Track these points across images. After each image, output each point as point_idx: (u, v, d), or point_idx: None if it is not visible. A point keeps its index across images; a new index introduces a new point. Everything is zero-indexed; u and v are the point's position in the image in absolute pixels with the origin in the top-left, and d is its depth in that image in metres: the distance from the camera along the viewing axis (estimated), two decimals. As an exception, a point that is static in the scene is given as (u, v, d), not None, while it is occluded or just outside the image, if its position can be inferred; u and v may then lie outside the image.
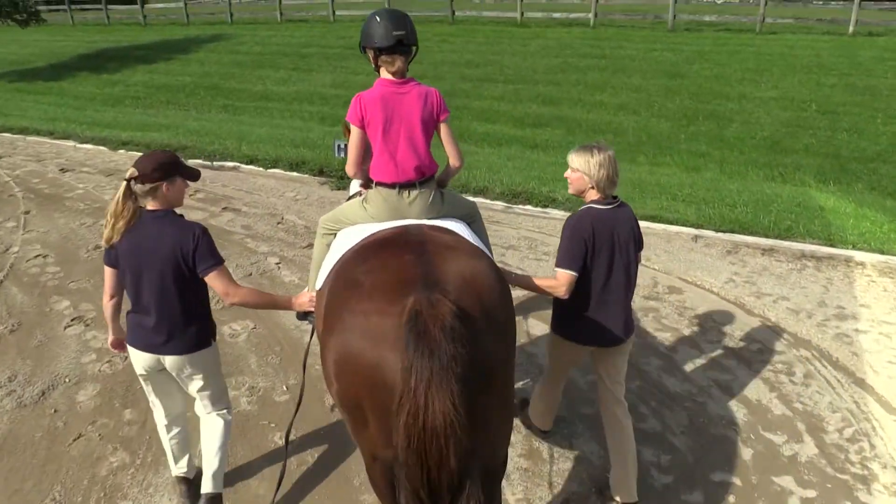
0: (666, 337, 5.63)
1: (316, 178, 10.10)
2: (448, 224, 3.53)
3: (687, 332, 5.70)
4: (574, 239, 3.45)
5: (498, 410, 2.73)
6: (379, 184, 3.66)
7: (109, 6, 34.40)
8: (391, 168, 3.60)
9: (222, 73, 19.87)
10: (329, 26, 25.84)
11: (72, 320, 6.23)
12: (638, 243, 3.67)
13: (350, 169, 3.81)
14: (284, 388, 5.14)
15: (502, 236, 7.55)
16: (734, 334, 5.64)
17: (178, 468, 3.97)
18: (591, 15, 22.21)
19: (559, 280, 3.49)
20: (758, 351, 5.40)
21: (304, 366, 4.08)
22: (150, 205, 3.38)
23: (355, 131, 3.66)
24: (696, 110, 13.53)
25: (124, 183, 3.32)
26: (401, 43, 3.61)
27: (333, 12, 27.05)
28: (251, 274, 7.00)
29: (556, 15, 23.32)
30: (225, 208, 8.92)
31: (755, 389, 4.94)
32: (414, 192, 3.63)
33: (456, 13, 24.72)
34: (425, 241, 2.98)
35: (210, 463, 3.77)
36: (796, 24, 20.37)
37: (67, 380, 5.34)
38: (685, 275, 6.65)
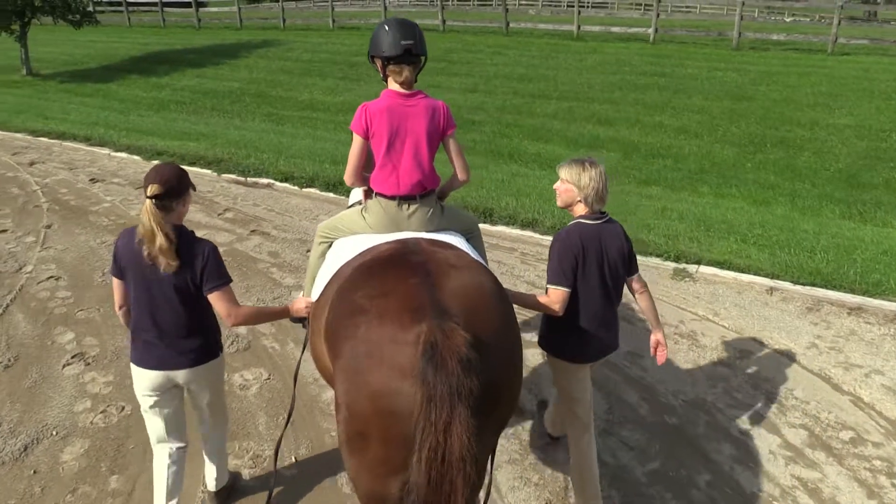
0: (739, 416, 4.81)
1: (353, 200, 9.48)
2: (447, 238, 3.50)
3: (764, 410, 4.87)
4: (563, 254, 3.44)
5: (493, 430, 2.82)
6: (379, 195, 3.63)
7: (165, 9, 34.52)
8: (393, 181, 3.56)
9: (269, 80, 19.47)
10: (381, 34, 25.39)
11: (72, 357, 5.68)
12: (629, 263, 3.64)
13: (349, 178, 3.73)
14: (293, 459, 4.47)
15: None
16: (820, 417, 4.80)
17: None
18: (650, 30, 21.30)
19: (552, 297, 3.48)
20: (850, 441, 4.55)
21: (296, 378, 4.08)
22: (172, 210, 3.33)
23: (357, 140, 3.60)
24: (764, 136, 12.59)
25: (148, 202, 3.20)
26: (409, 52, 3.54)
27: (386, 20, 26.62)
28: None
29: (615, 29, 22.48)
30: (254, 231, 8.33)
31: (850, 494, 4.10)
32: (414, 205, 3.60)
33: (510, 24, 24.03)
34: (427, 260, 2.95)
35: (213, 464, 3.94)
36: (871, 46, 19.21)
37: (55, 432, 4.76)
38: (760, 335, 5.81)
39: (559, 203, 3.63)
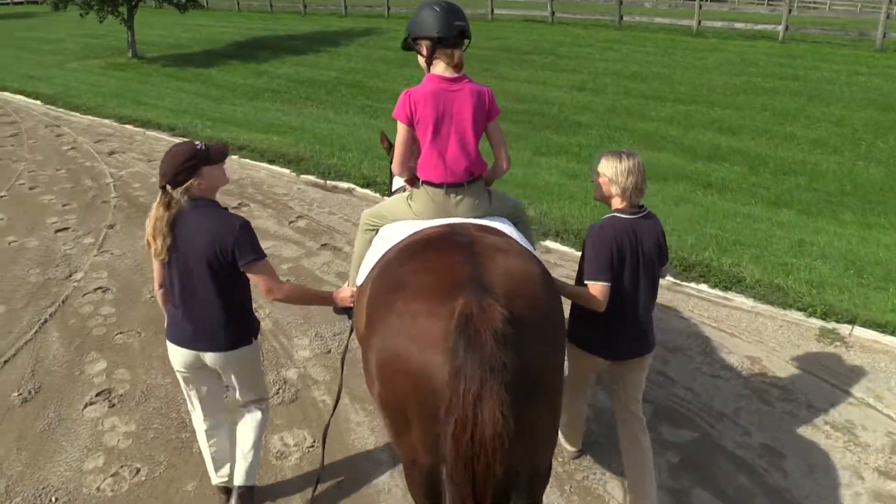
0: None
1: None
2: (494, 224, 3.42)
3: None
4: (599, 248, 3.36)
5: (544, 419, 2.66)
6: (426, 182, 3.50)
7: (273, -7, 34.45)
8: (440, 168, 3.45)
9: (368, 70, 18.73)
10: (486, 25, 24.26)
11: (97, 395, 4.94)
12: (663, 255, 3.55)
13: (396, 168, 3.60)
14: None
15: (666, 328, 5.60)
16: None
17: (219, 476, 3.83)
18: (780, 27, 19.42)
19: (593, 292, 3.37)
20: None
21: (342, 364, 4.05)
22: (189, 196, 3.26)
23: (403, 129, 3.48)
24: (918, 154, 10.89)
25: (160, 191, 3.26)
26: (462, 34, 3.43)
27: (492, 10, 25.48)
28: (329, 351, 5.45)
29: (739, 25, 20.61)
30: (324, 245, 7.44)
31: None
32: (461, 192, 3.49)
33: (624, 18, 22.52)
34: (473, 241, 2.90)
35: (245, 456, 3.71)
36: None
37: (55, 498, 3.98)
38: (940, 431, 4.49)
39: (595, 196, 3.57)
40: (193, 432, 4.35)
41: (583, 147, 11.60)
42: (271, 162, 10.30)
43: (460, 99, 3.41)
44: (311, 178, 9.65)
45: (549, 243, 7.23)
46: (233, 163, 10.51)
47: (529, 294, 2.66)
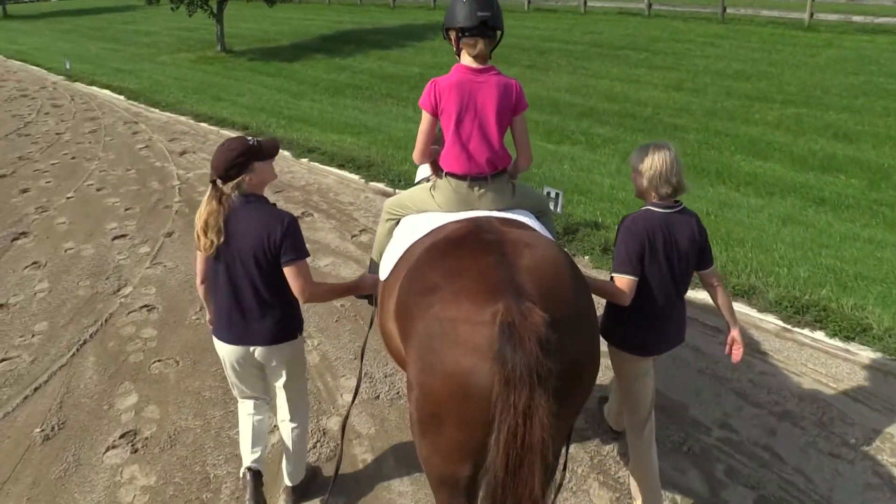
0: None
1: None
2: (518, 217, 3.38)
3: None
4: (629, 241, 3.27)
5: (573, 412, 2.74)
6: (449, 174, 3.49)
7: (363, -14, 34.23)
8: (463, 159, 3.44)
9: (452, 66, 18.06)
10: (578, 18, 23.27)
11: (121, 436, 4.48)
12: (702, 254, 3.43)
13: (417, 157, 3.61)
14: None
15: (772, 387, 4.73)
16: None
17: (252, 456, 3.76)
18: (904, 20, 17.74)
19: (619, 286, 3.29)
20: None
21: (362, 355, 4.20)
22: (240, 192, 3.27)
23: (426, 118, 3.46)
24: None
25: (210, 185, 3.29)
26: (485, 24, 3.36)
27: (585, 3, 24.39)
28: (378, 396, 4.83)
29: (857, 18, 18.93)
30: (387, 262, 6.85)
31: None
32: (485, 185, 3.48)
33: (727, 10, 21.09)
34: (502, 239, 2.86)
35: (289, 459, 3.79)
36: None
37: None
38: None
39: (636, 194, 3.48)
40: (216, 491, 3.99)
41: (679, 153, 10.61)
42: (341, 166, 9.78)
43: (485, 90, 3.40)
44: (380, 185, 9.07)
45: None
46: (301, 167, 10.07)
47: (562, 291, 2.66)
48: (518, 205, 3.63)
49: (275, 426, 4.07)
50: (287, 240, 3.26)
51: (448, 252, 2.88)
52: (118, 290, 6.46)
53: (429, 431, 2.65)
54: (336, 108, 14.20)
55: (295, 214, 8.10)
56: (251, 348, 3.46)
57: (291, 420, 3.76)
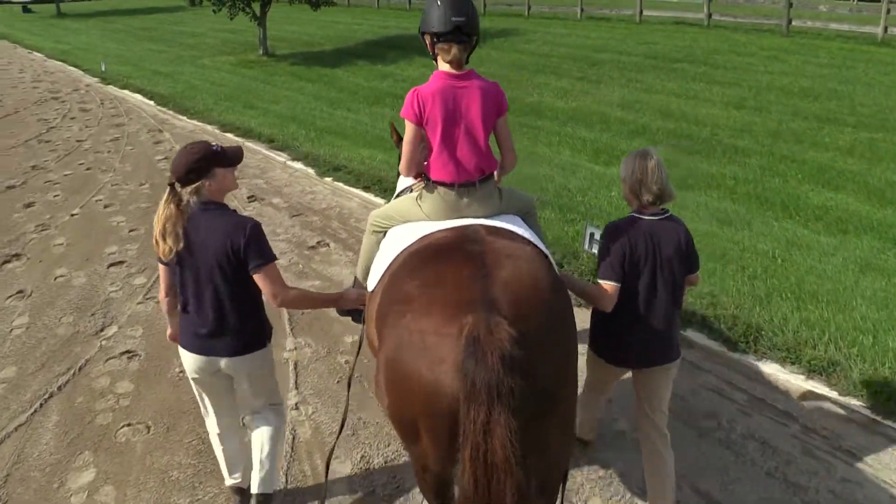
0: None
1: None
2: (505, 223, 3.32)
3: None
4: (610, 248, 3.32)
5: (559, 431, 2.67)
6: (437, 182, 3.41)
7: (413, -10, 33.58)
8: (452, 167, 3.39)
9: (498, 76, 17.07)
10: (632, 28, 22.22)
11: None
12: (688, 261, 3.42)
13: (404, 168, 3.53)
14: None
15: (864, 498, 3.78)
16: None
17: (233, 478, 3.74)
18: None
19: (601, 291, 3.33)
20: None
21: (350, 382, 3.93)
22: (198, 198, 3.20)
23: (411, 128, 3.39)
24: None
25: (168, 187, 3.19)
26: (459, 30, 3.30)
27: (641, 12, 23.32)
28: (374, 490, 4.00)
29: (936, 33, 17.60)
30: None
31: None
32: (473, 192, 3.42)
33: (793, 22, 19.85)
34: (485, 250, 2.83)
35: (261, 464, 3.56)
36: None
37: None
38: None
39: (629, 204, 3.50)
40: None
41: (739, 181, 9.58)
42: (366, 188, 8.97)
43: (468, 96, 3.35)
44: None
45: (692, 334, 5.46)
46: (324, 187, 9.31)
47: (539, 307, 2.62)
48: (505, 209, 3.57)
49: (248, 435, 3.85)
50: (251, 246, 3.18)
51: (428, 262, 2.87)
52: (101, 330, 5.77)
53: (405, 438, 2.72)
54: (372, 119, 13.44)
55: (310, 244, 7.47)
56: (219, 359, 3.35)
57: (264, 424, 3.62)
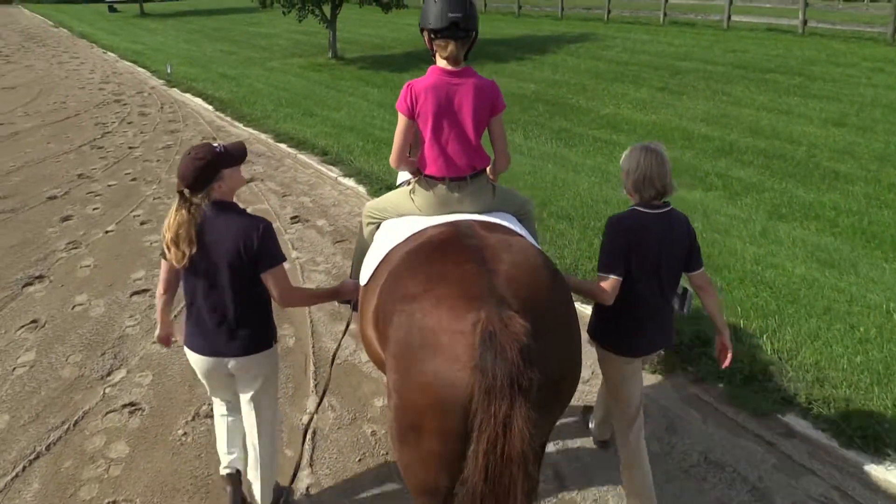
0: None
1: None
2: (499, 220, 3.32)
3: None
4: (612, 241, 3.33)
5: (553, 421, 2.76)
6: (428, 177, 3.46)
7: (489, -7, 32.78)
8: (441, 161, 3.42)
9: (573, 85, 16.26)
10: (719, 35, 20.91)
11: None
12: (690, 257, 3.44)
13: (394, 161, 3.54)
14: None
15: None
16: None
17: (229, 458, 3.73)
18: None
19: (602, 285, 3.33)
20: None
21: (333, 360, 4.27)
22: (209, 201, 3.19)
23: (403, 120, 3.43)
24: None
25: (178, 195, 3.17)
26: (456, 26, 3.29)
27: (729, 17, 21.97)
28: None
29: None
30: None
31: None
32: (464, 187, 3.46)
33: (899, 30, 18.28)
34: (482, 245, 2.82)
35: (256, 473, 3.61)
36: None
37: None
38: None
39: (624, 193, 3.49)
40: None
41: (841, 211, 8.41)
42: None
43: (462, 92, 3.35)
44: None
45: (793, 420, 4.47)
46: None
47: (543, 298, 2.63)
48: (499, 207, 3.58)
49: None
50: (263, 247, 3.18)
51: (428, 257, 2.84)
52: (108, 374, 5.14)
53: (408, 440, 2.60)
54: (435, 130, 12.68)
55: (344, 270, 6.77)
56: (226, 360, 3.34)
57: (260, 437, 3.57)
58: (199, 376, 3.52)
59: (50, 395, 4.92)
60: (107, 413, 4.71)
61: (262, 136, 12.06)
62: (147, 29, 34.76)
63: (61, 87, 18.26)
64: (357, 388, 4.91)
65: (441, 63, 3.39)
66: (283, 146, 11.33)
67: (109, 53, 25.75)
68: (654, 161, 3.29)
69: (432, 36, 3.37)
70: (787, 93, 14.00)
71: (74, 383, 5.06)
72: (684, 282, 4.98)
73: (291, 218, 8.15)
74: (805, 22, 20.22)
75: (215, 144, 3.23)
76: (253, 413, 3.52)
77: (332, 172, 9.74)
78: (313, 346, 5.44)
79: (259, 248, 3.16)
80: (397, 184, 4.31)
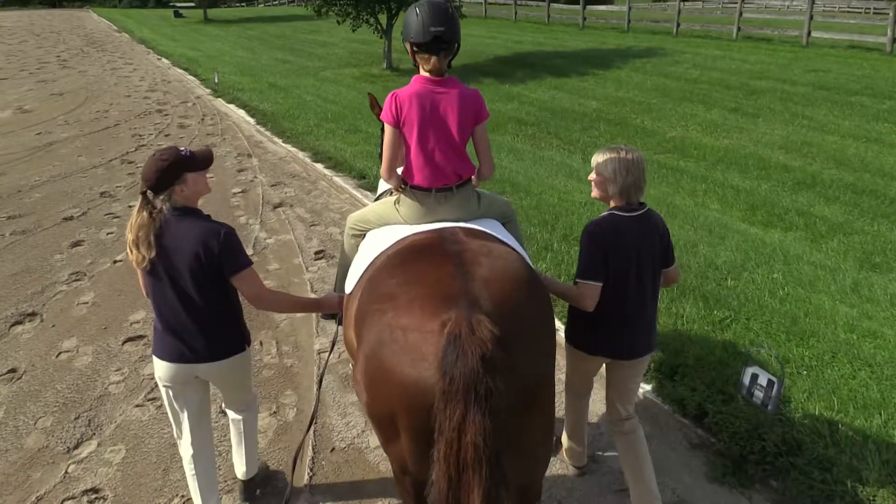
0: None
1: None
2: (484, 227, 3.33)
3: None
4: (592, 247, 3.30)
5: (539, 430, 2.68)
6: (414, 187, 3.43)
7: (552, 4, 31.84)
8: (428, 171, 3.38)
9: (638, 103, 15.20)
10: (798, 52, 19.56)
11: None
12: (666, 256, 3.45)
13: (384, 172, 3.48)
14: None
15: None
16: None
17: None
18: None
19: (582, 292, 3.32)
20: None
21: (320, 381, 4.11)
22: (171, 205, 3.16)
23: (390, 131, 3.41)
24: None
25: (140, 195, 3.17)
26: (439, 40, 3.29)
27: (809, 33, 20.59)
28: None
29: None
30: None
31: None
32: (451, 197, 3.43)
33: None
34: (462, 249, 2.83)
35: (240, 448, 3.77)
36: None
37: None
38: None
39: (594, 195, 3.49)
40: None
41: None
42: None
43: (446, 101, 3.33)
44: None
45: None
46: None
47: (519, 304, 2.60)
48: (484, 214, 3.58)
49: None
50: (225, 252, 3.13)
51: (408, 261, 2.85)
52: (76, 447, 4.39)
53: (384, 436, 2.65)
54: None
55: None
56: (195, 366, 3.30)
57: (239, 412, 3.68)
58: (166, 384, 3.40)
59: (5, 471, 4.19)
60: (63, 501, 3.95)
61: (300, 154, 11.32)
62: (208, 35, 34.77)
63: (108, 94, 17.93)
64: (359, 487, 4.05)
65: (424, 73, 3.38)
66: (319, 166, 10.56)
67: (163, 60, 25.61)
68: (640, 165, 3.29)
69: (415, 49, 3.34)
70: (875, 119, 12.72)
71: (36, 456, 4.32)
72: (772, 370, 4.15)
73: (316, 253, 7.34)
74: (894, 40, 18.76)
75: (182, 148, 3.22)
76: (233, 400, 3.64)
77: (367, 200, 8.94)
78: (314, 424, 4.61)
79: (220, 253, 3.12)
80: (377, 194, 4.30)
